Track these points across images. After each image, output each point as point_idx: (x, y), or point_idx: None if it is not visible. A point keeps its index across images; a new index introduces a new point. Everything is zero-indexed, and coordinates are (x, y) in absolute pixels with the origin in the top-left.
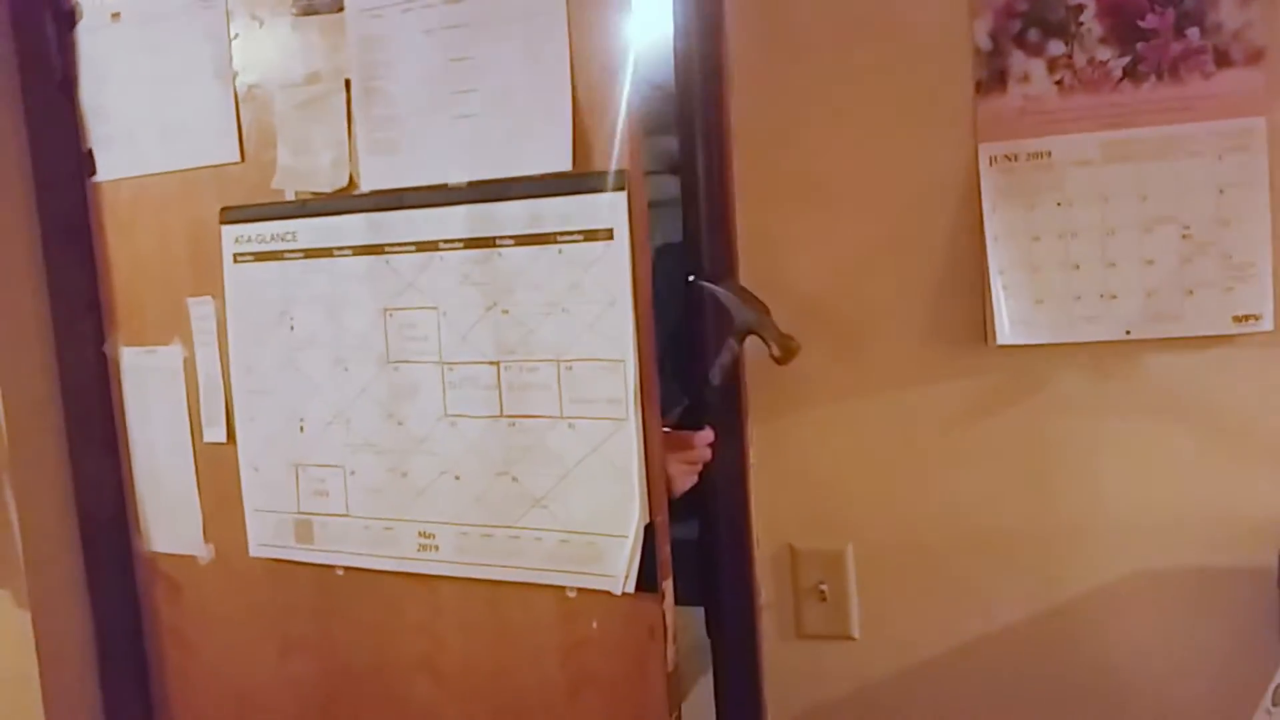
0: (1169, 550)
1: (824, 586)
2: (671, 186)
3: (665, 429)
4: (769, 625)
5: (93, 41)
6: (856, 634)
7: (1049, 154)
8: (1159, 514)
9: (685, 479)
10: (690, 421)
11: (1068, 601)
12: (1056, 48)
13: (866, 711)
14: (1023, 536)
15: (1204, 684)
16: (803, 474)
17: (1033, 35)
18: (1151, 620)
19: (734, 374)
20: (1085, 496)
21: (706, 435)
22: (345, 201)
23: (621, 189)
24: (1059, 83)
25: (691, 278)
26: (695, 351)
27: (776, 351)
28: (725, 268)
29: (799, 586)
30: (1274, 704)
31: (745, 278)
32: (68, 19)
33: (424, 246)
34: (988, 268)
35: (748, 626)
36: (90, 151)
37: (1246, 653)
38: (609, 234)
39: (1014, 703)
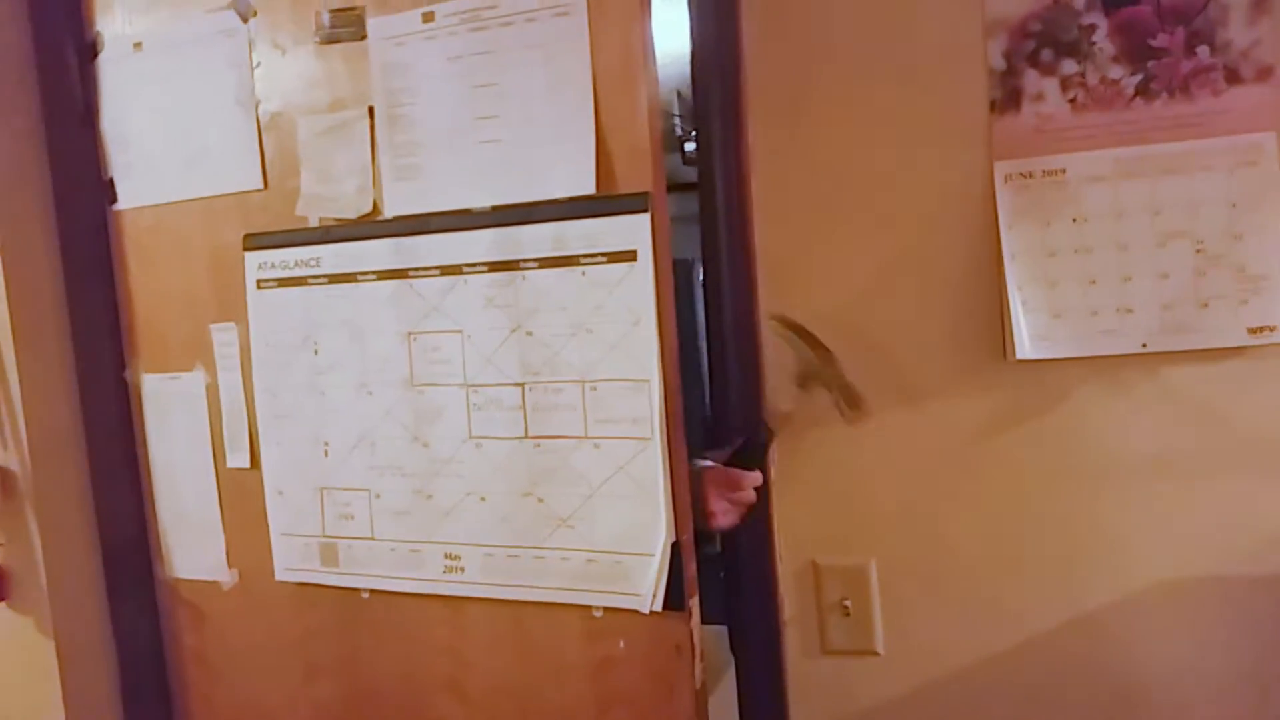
0: (1190, 561)
1: (847, 602)
2: (670, 204)
3: (712, 463)
4: (793, 641)
5: (115, 72)
6: (880, 649)
7: (1063, 171)
8: (1180, 525)
9: (728, 516)
10: (739, 461)
11: (1090, 614)
12: (1069, 67)
13: None
14: (1045, 549)
15: (1227, 693)
16: (825, 490)
17: (1046, 55)
18: (1174, 631)
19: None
20: (1106, 509)
21: (755, 477)
22: (369, 227)
23: (645, 210)
24: (1072, 101)
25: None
26: (722, 381)
27: (844, 407)
28: (750, 289)
29: (822, 602)
30: None
31: (765, 295)
32: (90, 50)
33: (448, 270)
34: (1005, 283)
35: (772, 643)
36: (111, 180)
37: (1270, 662)
38: (633, 255)
39: (1037, 715)
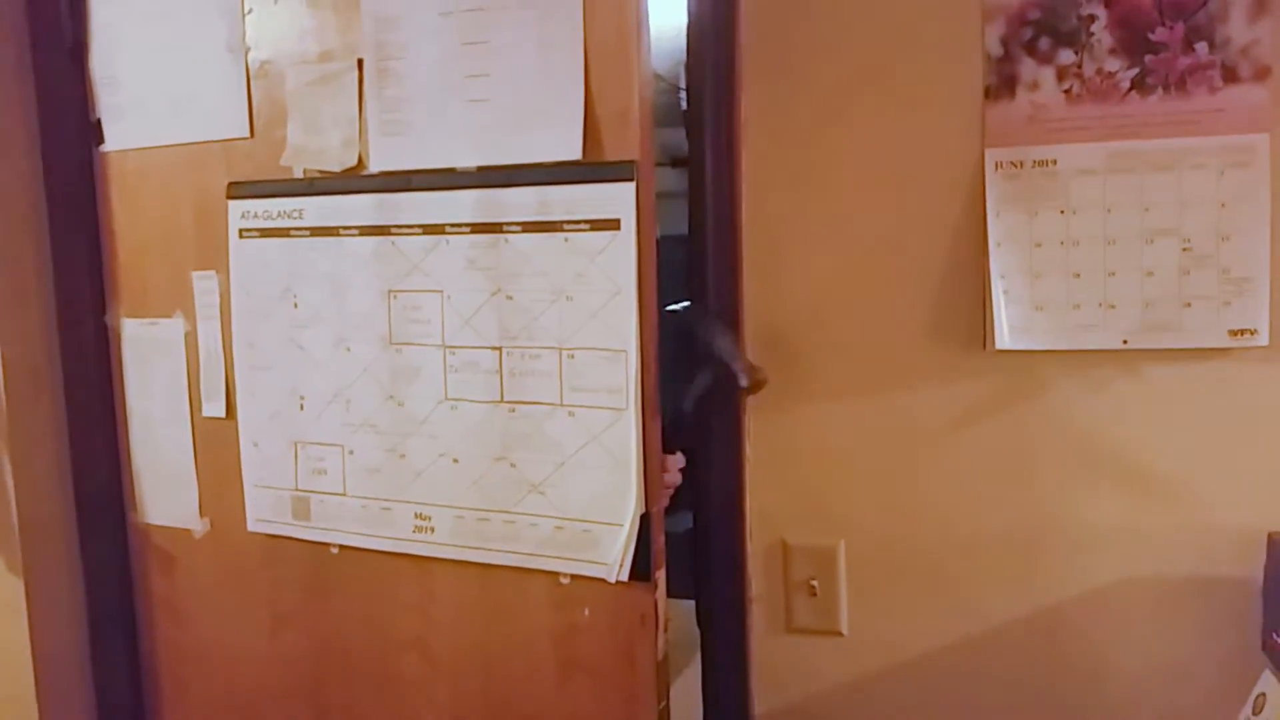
0: (1157, 558)
1: (815, 582)
2: (671, 179)
3: None
4: (759, 619)
5: (105, 10)
6: (845, 630)
7: (1055, 162)
8: (1149, 522)
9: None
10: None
11: (1056, 605)
12: (1066, 57)
13: (852, 707)
14: (1014, 539)
15: (1187, 691)
16: (798, 470)
17: (1043, 43)
18: (1137, 626)
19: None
20: (1077, 502)
21: (679, 459)
22: (353, 181)
23: (630, 180)
24: (1067, 91)
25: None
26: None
27: (744, 382)
28: (728, 265)
29: (790, 581)
30: (1254, 713)
31: (749, 274)
32: None
33: (430, 229)
34: (989, 272)
35: (738, 619)
36: (99, 121)
37: (1229, 661)
38: (616, 224)
39: (998, 704)
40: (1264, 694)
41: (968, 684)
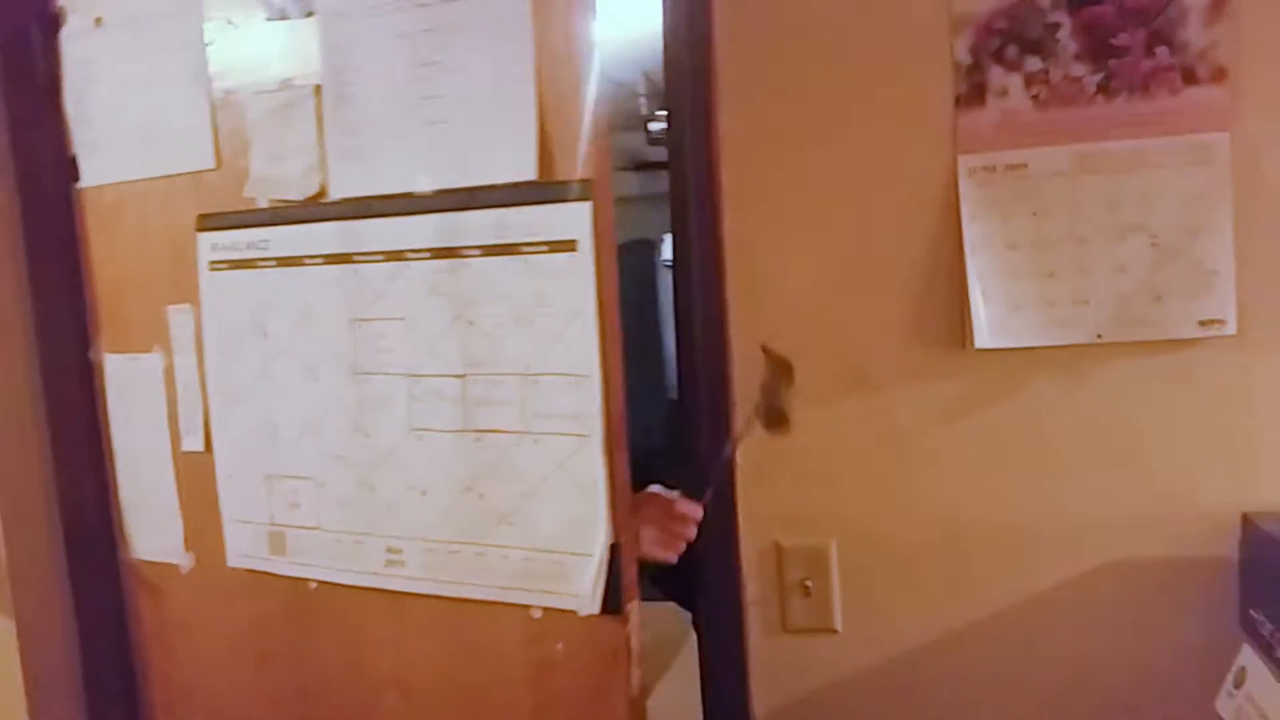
0: (1137, 543)
1: (808, 582)
2: (634, 183)
3: (659, 489)
4: (755, 620)
5: (77, 46)
6: (839, 628)
7: (1025, 166)
8: (1128, 508)
9: (659, 548)
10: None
11: (1041, 593)
12: (1034, 64)
13: (849, 703)
14: (999, 532)
15: (1170, 668)
16: (789, 473)
17: (1011, 51)
18: (1121, 609)
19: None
20: (1058, 492)
21: (696, 510)
22: (316, 210)
23: (586, 199)
24: (1035, 97)
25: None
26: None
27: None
28: (714, 273)
29: (784, 582)
30: (1235, 686)
31: (732, 282)
32: (52, 23)
33: (392, 256)
34: (966, 275)
35: (734, 621)
36: (74, 157)
37: (1210, 638)
38: (573, 245)
39: (991, 691)
40: (1244, 667)
41: (959, 675)
